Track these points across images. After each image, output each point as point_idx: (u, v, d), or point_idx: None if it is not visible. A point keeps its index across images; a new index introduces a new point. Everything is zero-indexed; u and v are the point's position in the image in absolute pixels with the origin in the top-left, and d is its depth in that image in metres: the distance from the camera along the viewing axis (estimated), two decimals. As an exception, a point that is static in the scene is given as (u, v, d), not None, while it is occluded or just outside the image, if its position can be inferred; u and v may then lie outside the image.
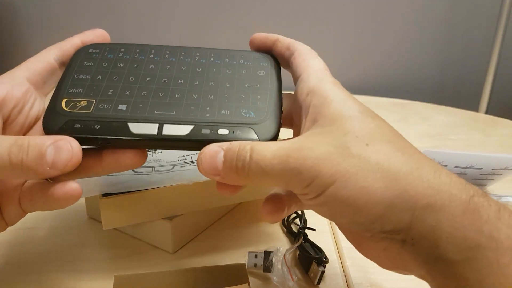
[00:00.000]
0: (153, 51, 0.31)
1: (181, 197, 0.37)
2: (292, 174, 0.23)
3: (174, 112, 0.27)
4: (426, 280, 0.24)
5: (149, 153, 0.41)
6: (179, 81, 0.29)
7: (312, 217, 0.41)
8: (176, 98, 0.28)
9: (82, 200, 0.43)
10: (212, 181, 0.37)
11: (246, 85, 0.29)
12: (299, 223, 0.42)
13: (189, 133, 0.26)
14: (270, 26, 0.96)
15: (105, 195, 0.36)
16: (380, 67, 1.04)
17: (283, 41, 0.31)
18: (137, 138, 0.26)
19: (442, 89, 1.08)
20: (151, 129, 0.26)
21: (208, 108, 0.27)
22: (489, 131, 0.69)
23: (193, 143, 0.26)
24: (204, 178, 0.37)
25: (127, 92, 0.28)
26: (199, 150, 0.26)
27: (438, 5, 0.98)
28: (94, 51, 0.31)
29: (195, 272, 0.34)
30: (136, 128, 0.26)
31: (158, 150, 0.41)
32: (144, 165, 0.34)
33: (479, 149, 0.63)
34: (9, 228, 0.28)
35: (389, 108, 0.78)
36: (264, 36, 0.32)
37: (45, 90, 0.30)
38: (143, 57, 0.30)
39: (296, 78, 0.29)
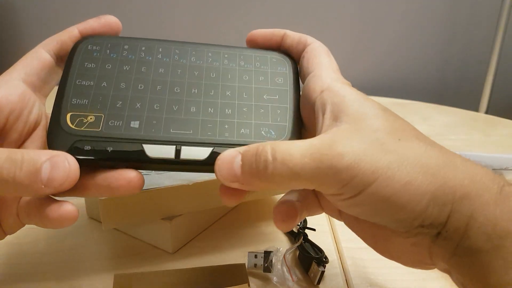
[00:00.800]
0: (160, 50, 0.28)
1: (181, 197, 0.37)
2: (328, 173, 0.21)
3: (191, 131, 0.25)
4: (449, 273, 0.23)
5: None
6: (193, 90, 0.27)
7: (312, 217, 0.41)
8: (191, 113, 0.26)
9: (82, 200, 0.43)
10: (212, 181, 0.38)
11: (264, 97, 0.28)
12: (299, 223, 0.42)
13: (208, 156, 0.25)
14: (270, 26, 0.96)
15: (105, 195, 0.36)
16: (380, 66, 1.04)
17: (293, 36, 0.30)
18: (153, 163, 0.24)
19: (442, 89, 1.08)
20: (168, 152, 0.25)
21: (226, 126, 0.26)
22: (489, 131, 0.69)
23: (213, 167, 0.24)
24: (203, 178, 0.37)
25: (138, 105, 0.26)
26: None
27: (438, 5, 0.98)
28: (95, 48, 0.27)
29: (195, 272, 0.34)
30: (152, 151, 0.24)
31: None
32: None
33: (479, 149, 0.63)
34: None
35: (389, 108, 0.77)
36: (269, 32, 0.30)
37: (44, 91, 0.28)
38: (150, 58, 0.28)
39: (306, 74, 0.28)
